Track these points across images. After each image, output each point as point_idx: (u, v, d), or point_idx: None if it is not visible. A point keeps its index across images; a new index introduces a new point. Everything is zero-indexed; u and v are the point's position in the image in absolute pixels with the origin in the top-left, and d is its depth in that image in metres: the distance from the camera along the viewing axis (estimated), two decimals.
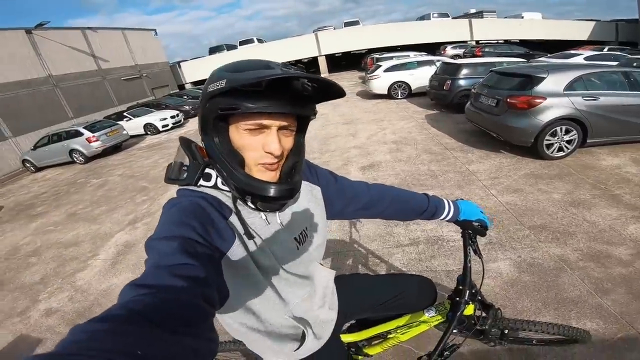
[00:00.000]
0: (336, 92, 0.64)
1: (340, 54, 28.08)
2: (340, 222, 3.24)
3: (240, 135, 0.62)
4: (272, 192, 0.63)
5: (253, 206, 0.67)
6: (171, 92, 20.79)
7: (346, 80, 17.87)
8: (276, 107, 0.58)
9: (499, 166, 4.10)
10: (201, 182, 0.66)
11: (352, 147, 5.63)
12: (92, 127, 9.88)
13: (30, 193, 7.46)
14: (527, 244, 2.56)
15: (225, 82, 0.56)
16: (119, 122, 11.35)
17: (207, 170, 0.66)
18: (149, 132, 12.21)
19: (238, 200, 0.67)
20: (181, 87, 24.20)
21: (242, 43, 25.39)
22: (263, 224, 0.70)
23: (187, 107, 14.54)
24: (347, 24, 23.41)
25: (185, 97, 17.10)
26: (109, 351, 0.31)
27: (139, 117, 12.57)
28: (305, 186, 0.83)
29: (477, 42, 20.84)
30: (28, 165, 10.32)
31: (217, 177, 0.66)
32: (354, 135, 6.39)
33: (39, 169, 10.22)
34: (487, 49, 15.51)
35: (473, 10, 29.24)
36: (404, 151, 5.04)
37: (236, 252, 0.62)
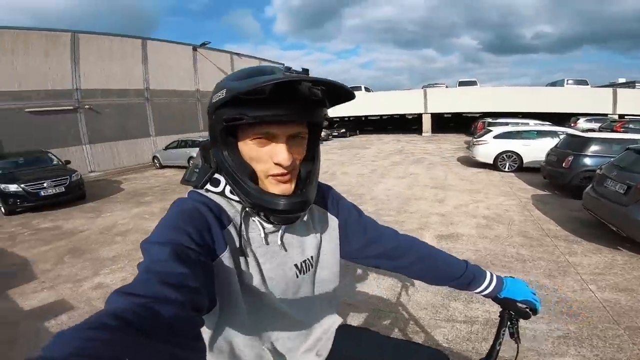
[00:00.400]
0: (345, 95, 0.63)
1: (450, 115, 27.53)
2: (393, 281, 3.14)
3: (249, 146, 0.61)
4: (281, 205, 0.61)
5: (266, 219, 0.66)
6: None
7: (449, 142, 17.35)
8: (282, 114, 0.57)
9: (610, 263, 3.46)
10: (208, 186, 0.67)
11: (435, 214, 5.39)
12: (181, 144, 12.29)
13: (148, 184, 9.40)
14: (614, 343, 2.27)
15: (225, 92, 0.56)
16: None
17: (216, 175, 0.67)
18: None
19: (247, 211, 0.66)
20: None
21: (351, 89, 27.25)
22: (261, 242, 0.68)
23: None
24: (462, 84, 22.80)
25: None
26: (99, 358, 0.31)
27: None
28: (321, 214, 0.80)
29: (620, 116, 17.86)
30: (155, 161, 13.19)
31: (225, 184, 0.66)
32: (440, 202, 6.12)
33: (163, 167, 12.87)
34: (631, 126, 12.95)
35: (622, 80, 25.76)
36: (494, 229, 4.60)
37: (223, 263, 0.61)
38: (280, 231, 0.71)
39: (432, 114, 22.38)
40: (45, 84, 12.21)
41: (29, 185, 7.31)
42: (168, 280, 0.45)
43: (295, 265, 0.72)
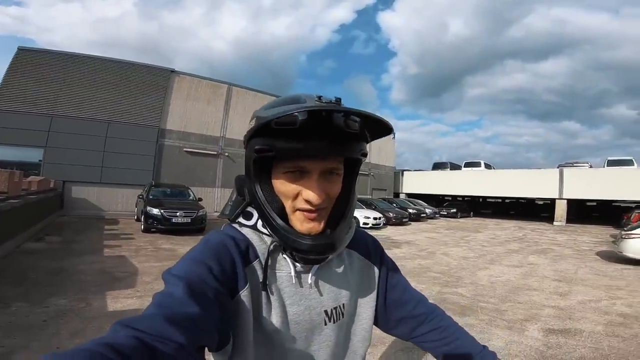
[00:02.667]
0: (384, 128, 0.61)
1: (593, 202, 23.66)
2: None
3: (280, 180, 0.61)
4: (305, 245, 0.59)
5: (290, 257, 0.65)
6: (386, 196, 23.55)
7: (588, 234, 14.90)
8: (314, 148, 0.56)
9: None
10: (241, 219, 0.67)
11: (550, 307, 4.75)
12: None
13: None
14: None
15: (255, 121, 0.57)
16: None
17: (249, 208, 0.67)
18: None
19: (276, 246, 0.65)
20: (396, 194, 26.93)
21: (467, 165, 25.81)
22: (290, 280, 0.66)
23: (391, 214, 16.15)
24: (612, 163, 19.19)
25: (394, 205, 19.08)
26: None
27: None
28: (362, 262, 0.79)
29: None
30: None
31: (258, 217, 0.66)
32: (561, 296, 5.35)
33: None
34: None
35: None
36: (632, 328, 3.85)
37: (241, 301, 0.59)
38: (312, 272, 0.67)
39: (568, 199, 19.59)
40: (202, 128, 15.96)
41: (167, 212, 9.51)
42: (176, 318, 0.45)
43: (325, 311, 0.69)
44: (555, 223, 19.92)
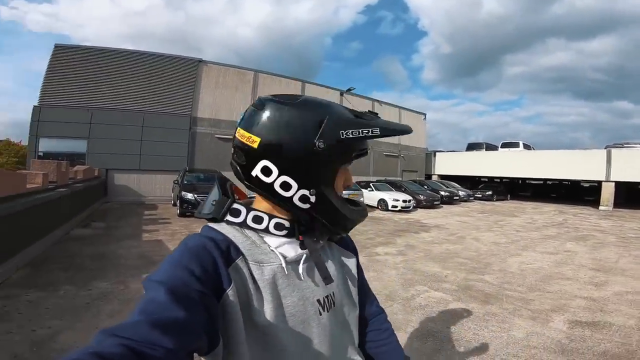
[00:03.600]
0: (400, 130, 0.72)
1: None
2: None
3: (342, 176, 0.73)
4: (364, 212, 0.78)
5: (337, 234, 0.78)
6: (417, 178, 23.13)
7: (637, 220, 13.91)
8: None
9: None
10: (228, 217, 0.68)
11: (582, 298, 4.57)
12: None
13: None
14: None
15: (379, 131, 0.66)
16: (362, 189, 14.15)
17: (236, 206, 0.69)
18: (379, 207, 14.28)
19: (264, 241, 0.68)
20: (428, 176, 26.34)
21: (504, 145, 24.59)
22: (282, 272, 0.67)
23: (421, 197, 15.88)
24: None
25: (426, 187, 18.71)
26: None
27: (379, 190, 15.03)
28: (340, 251, 0.84)
29: None
30: None
31: (247, 213, 0.69)
32: (596, 286, 5.12)
33: None
34: None
35: None
36: None
37: (228, 301, 0.60)
38: (301, 262, 0.70)
39: (616, 182, 18.19)
40: (231, 115, 16.45)
41: (200, 196, 9.92)
42: (161, 323, 0.45)
43: (318, 300, 0.71)
44: (600, 207, 18.64)
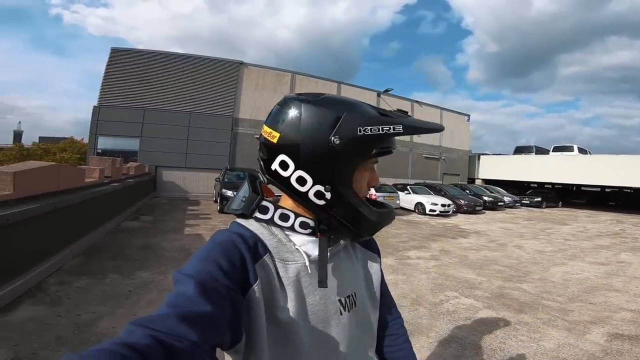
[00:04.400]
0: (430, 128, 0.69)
1: None
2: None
3: (363, 175, 0.71)
4: (393, 214, 0.77)
5: (358, 237, 0.74)
6: (459, 182, 22.27)
7: None
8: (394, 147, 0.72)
9: None
10: (257, 214, 0.70)
11: (629, 310, 4.21)
12: (378, 188, 12.87)
13: None
14: None
15: (402, 129, 0.64)
16: (398, 192, 13.94)
17: (264, 203, 0.70)
18: (416, 210, 13.96)
19: (289, 239, 0.69)
20: (471, 180, 25.24)
21: (556, 149, 22.98)
22: (306, 271, 0.68)
23: (462, 201, 15.26)
24: None
25: (467, 191, 17.97)
26: None
27: (416, 194, 14.67)
28: (362, 252, 0.85)
29: None
30: None
31: (274, 211, 0.70)
32: None
33: None
34: None
35: None
36: None
37: (254, 297, 0.61)
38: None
39: None
40: None
41: None
42: (188, 316, 0.46)
43: (340, 300, 0.72)
44: None
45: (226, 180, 11.40)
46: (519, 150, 25.17)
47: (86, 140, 18.67)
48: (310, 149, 0.64)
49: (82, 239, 5.56)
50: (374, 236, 0.84)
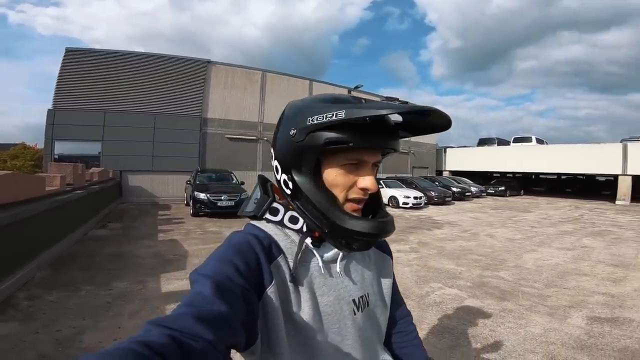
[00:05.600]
0: (443, 125, 0.64)
1: None
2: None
3: (336, 172, 0.64)
4: (373, 228, 0.62)
5: (346, 246, 0.66)
6: (428, 175, 22.97)
7: None
8: (379, 142, 0.63)
9: None
10: (267, 215, 0.70)
11: (601, 294, 4.51)
12: None
13: None
14: None
15: (345, 114, 0.57)
16: None
17: (275, 204, 0.70)
18: (390, 204, 14.22)
19: (301, 239, 0.68)
20: (439, 172, 26.12)
21: (516, 140, 24.33)
22: (320, 271, 0.69)
23: (433, 193, 15.76)
24: None
25: (437, 183, 18.58)
26: None
27: (389, 188, 14.96)
28: (375, 253, 0.84)
29: None
30: None
31: (284, 213, 0.70)
32: (615, 282, 5.04)
33: None
34: None
35: None
36: None
37: (269, 298, 0.61)
38: (338, 261, 0.71)
39: (634, 176, 17.93)
40: (240, 115, 16.73)
41: (212, 196, 10.11)
42: (205, 316, 0.46)
43: (353, 300, 0.72)
44: (617, 202, 18.37)
45: (198, 182, 11.08)
46: (482, 142, 26.39)
47: (40, 146, 17.47)
48: (280, 141, 0.67)
49: (48, 251, 5.19)
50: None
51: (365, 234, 0.62)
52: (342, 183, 0.65)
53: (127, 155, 14.06)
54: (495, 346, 3.05)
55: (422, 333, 3.26)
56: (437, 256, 6.37)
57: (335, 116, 0.57)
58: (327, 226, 0.63)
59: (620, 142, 19.19)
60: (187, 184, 12.28)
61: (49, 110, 13.38)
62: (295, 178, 0.65)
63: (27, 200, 4.89)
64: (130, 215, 10.60)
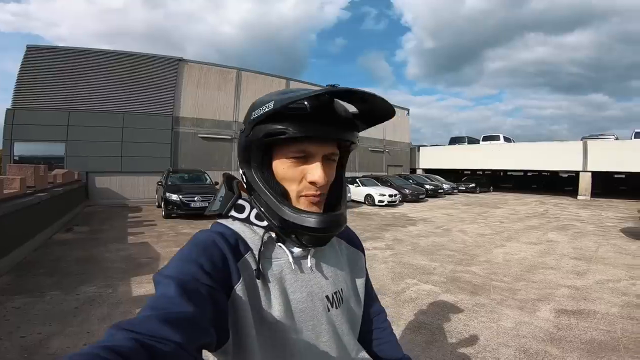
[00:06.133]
0: (384, 113, 0.64)
1: (622, 175, 22.85)
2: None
3: (284, 165, 0.63)
4: (320, 222, 0.61)
5: (297, 242, 0.65)
6: (402, 173, 23.44)
7: (614, 210, 14.48)
8: (323, 132, 0.60)
9: None
10: (233, 213, 0.68)
11: (566, 287, 4.74)
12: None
13: None
14: None
15: (273, 104, 0.57)
16: (349, 185, 14.28)
17: (240, 201, 0.69)
18: (366, 202, 14.42)
19: (271, 236, 0.67)
20: (413, 170, 26.71)
21: (485, 138, 25.22)
22: (290, 267, 0.67)
23: (407, 191, 16.10)
24: None
25: (411, 181, 18.98)
26: None
27: (365, 186, 15.15)
28: (347, 248, 0.84)
29: None
30: None
31: (250, 210, 0.68)
32: (579, 275, 5.31)
33: None
34: None
35: None
36: None
37: (237, 296, 0.59)
38: (309, 257, 0.70)
39: (593, 172, 18.94)
40: (215, 114, 16.36)
41: (185, 197, 9.78)
42: (170, 318, 0.45)
43: (327, 297, 0.70)
44: (579, 197, 19.35)
45: (169, 183, 10.74)
46: (454, 140, 27.26)
47: None
48: (239, 138, 0.68)
49: (8, 256, 4.88)
50: (355, 232, 0.89)
51: (312, 228, 0.61)
52: (291, 176, 0.64)
53: (93, 155, 13.43)
54: (470, 341, 3.13)
55: (399, 329, 3.31)
56: (411, 252, 6.49)
57: (267, 107, 0.58)
58: (277, 220, 0.63)
59: (581, 140, 20.32)
60: (159, 185, 11.88)
61: (8, 110, 12.59)
62: (247, 173, 0.66)
63: None
64: (98, 218, 10.14)
